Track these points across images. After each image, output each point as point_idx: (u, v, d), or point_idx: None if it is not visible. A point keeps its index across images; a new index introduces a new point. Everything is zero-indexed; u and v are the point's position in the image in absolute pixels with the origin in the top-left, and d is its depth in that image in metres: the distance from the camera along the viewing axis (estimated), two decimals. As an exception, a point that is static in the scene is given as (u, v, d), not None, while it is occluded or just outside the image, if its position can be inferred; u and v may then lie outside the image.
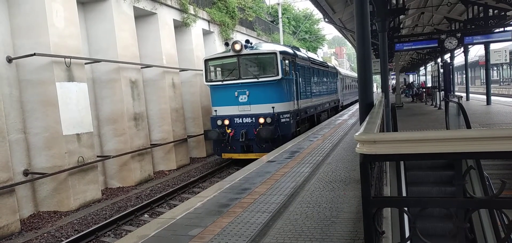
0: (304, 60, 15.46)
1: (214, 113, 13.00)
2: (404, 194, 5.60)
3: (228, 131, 12.53)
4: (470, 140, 1.57)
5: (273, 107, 12.21)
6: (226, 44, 13.22)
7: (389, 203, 1.83)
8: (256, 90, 12.38)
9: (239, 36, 20.52)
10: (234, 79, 12.63)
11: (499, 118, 13.78)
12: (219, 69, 13.62)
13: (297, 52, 14.98)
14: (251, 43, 13.15)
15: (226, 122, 12.60)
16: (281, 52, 12.47)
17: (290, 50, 13.95)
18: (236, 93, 12.51)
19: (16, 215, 8.33)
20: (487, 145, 1.54)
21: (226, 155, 13.08)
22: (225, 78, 13.02)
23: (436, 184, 6.78)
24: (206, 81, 13.20)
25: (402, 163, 6.07)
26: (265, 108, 12.27)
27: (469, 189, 5.76)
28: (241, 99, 12.48)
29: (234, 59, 12.60)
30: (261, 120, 12.17)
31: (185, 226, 4.45)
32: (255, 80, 12.37)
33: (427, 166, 7.32)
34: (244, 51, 12.48)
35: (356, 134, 1.83)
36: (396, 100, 22.76)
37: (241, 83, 12.47)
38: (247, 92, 12.41)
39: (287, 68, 12.88)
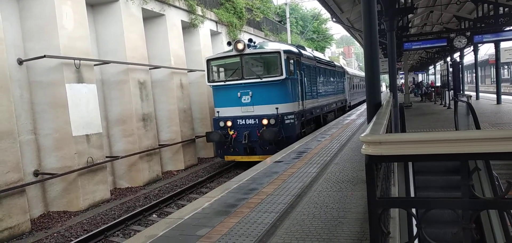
0: (309, 59, 15.09)
1: (216, 114, 12.73)
2: (412, 193, 5.56)
3: (231, 132, 12.22)
4: (476, 141, 1.56)
5: (277, 108, 11.93)
6: (229, 44, 12.87)
7: (395, 204, 1.83)
8: (260, 90, 12.08)
9: (247, 37, 20.52)
10: (237, 79, 12.32)
11: (510, 118, 13.60)
12: (222, 69, 13.35)
13: (302, 51, 14.63)
14: (254, 42, 12.86)
15: (229, 123, 12.29)
16: (285, 51, 12.14)
17: (294, 49, 13.63)
18: (239, 93, 12.22)
19: (27, 215, 8.46)
20: (494, 146, 1.53)
21: (228, 158, 12.80)
22: (228, 78, 12.75)
23: (444, 189, 6.70)
24: (209, 81, 12.93)
25: (410, 163, 6.03)
26: (268, 109, 11.97)
27: (478, 189, 5.70)
28: (244, 99, 12.19)
29: (237, 59, 12.29)
30: (265, 121, 11.86)
31: (193, 226, 4.48)
32: (259, 80, 12.06)
33: (436, 171, 7.25)
34: (247, 51, 12.17)
35: (362, 135, 1.83)
36: (405, 99, 22.59)
37: (244, 83, 12.17)
38: (250, 93, 12.12)
39: (292, 68, 12.53)
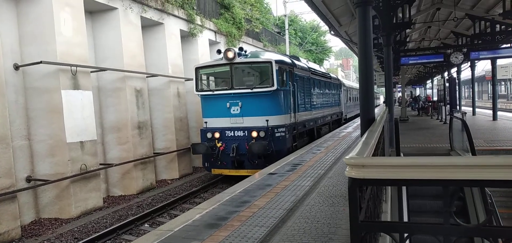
0: (303, 70, 14.66)
1: (204, 125, 12.19)
2: (405, 217, 5.54)
3: (218, 144, 11.69)
4: (459, 168, 1.56)
5: (267, 120, 11.40)
6: (219, 52, 12.13)
7: (378, 228, 1.83)
8: (250, 101, 11.57)
9: (246, 47, 20.56)
10: (226, 89, 11.85)
11: (505, 135, 13.63)
12: (212, 78, 12.90)
13: (296, 62, 14.15)
14: (245, 51, 12.31)
15: (217, 135, 11.74)
16: (277, 61, 11.63)
17: (287, 59, 13.22)
18: (228, 104, 11.72)
19: (17, 221, 8.37)
20: (477, 173, 1.52)
21: (215, 171, 12.19)
22: (217, 88, 12.35)
23: (439, 214, 6.63)
24: (197, 90, 12.35)
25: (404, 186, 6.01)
26: (258, 121, 11.45)
27: (472, 210, 5.63)
28: (233, 110, 11.66)
29: (227, 68, 11.77)
30: (254, 134, 11.32)
31: (182, 238, 4.44)
32: (249, 90, 11.58)
33: (431, 195, 7.19)
34: (238, 59, 11.64)
35: (346, 156, 1.82)
36: (402, 113, 22.65)
37: (234, 93, 11.63)
38: (239, 103, 11.60)
39: (284, 78, 12.06)
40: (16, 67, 9.45)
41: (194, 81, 12.48)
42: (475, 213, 6.16)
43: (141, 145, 12.44)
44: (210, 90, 12.31)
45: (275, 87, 11.39)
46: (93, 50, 12.04)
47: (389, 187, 5.65)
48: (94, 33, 12.24)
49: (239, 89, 11.69)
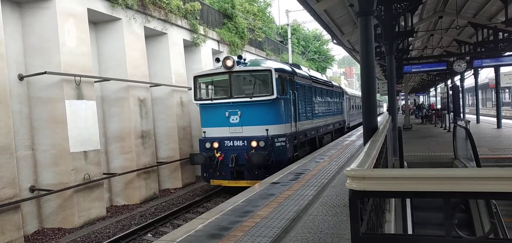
0: (304, 79, 14.43)
1: (202, 135, 12.01)
2: (409, 229, 5.49)
3: (217, 155, 11.48)
4: (459, 180, 1.55)
5: (267, 130, 11.21)
6: (217, 60, 11.91)
7: (379, 241, 1.82)
8: (249, 110, 11.37)
9: (248, 56, 20.66)
10: (225, 98, 11.66)
11: (509, 143, 13.53)
12: (211, 86, 12.69)
13: (297, 70, 13.93)
14: (244, 59, 12.17)
15: (215, 145, 11.53)
16: (276, 69, 11.40)
17: (287, 68, 12.99)
18: (227, 113, 11.51)
19: (21, 231, 8.38)
20: (476, 186, 1.51)
21: (214, 182, 11.97)
22: (215, 97, 12.16)
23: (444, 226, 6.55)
24: (195, 99, 12.20)
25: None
26: (258, 131, 11.24)
27: (477, 222, 5.58)
28: (232, 119, 11.47)
29: (226, 76, 11.63)
30: (254, 144, 11.12)
31: (185, 249, 4.43)
32: (248, 99, 11.34)
33: (436, 207, 7.12)
34: (237, 68, 11.49)
35: (347, 168, 1.82)
36: (405, 121, 22.57)
37: (233, 102, 11.44)
38: (239, 112, 11.39)
39: (284, 87, 11.86)
40: (21, 78, 9.53)
41: (192, 89, 12.36)
42: (480, 224, 6.10)
43: (144, 155, 12.46)
44: (209, 99, 12.14)
45: (275, 96, 11.19)
46: (96, 60, 12.13)
47: (393, 200, 5.62)
48: (98, 43, 12.34)
49: (238, 98, 11.49)
